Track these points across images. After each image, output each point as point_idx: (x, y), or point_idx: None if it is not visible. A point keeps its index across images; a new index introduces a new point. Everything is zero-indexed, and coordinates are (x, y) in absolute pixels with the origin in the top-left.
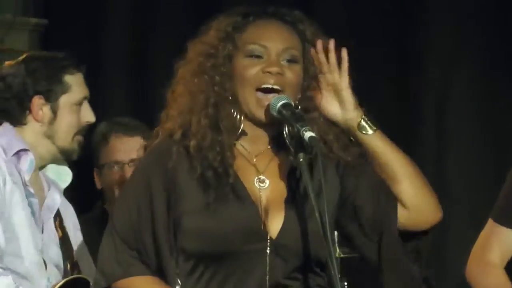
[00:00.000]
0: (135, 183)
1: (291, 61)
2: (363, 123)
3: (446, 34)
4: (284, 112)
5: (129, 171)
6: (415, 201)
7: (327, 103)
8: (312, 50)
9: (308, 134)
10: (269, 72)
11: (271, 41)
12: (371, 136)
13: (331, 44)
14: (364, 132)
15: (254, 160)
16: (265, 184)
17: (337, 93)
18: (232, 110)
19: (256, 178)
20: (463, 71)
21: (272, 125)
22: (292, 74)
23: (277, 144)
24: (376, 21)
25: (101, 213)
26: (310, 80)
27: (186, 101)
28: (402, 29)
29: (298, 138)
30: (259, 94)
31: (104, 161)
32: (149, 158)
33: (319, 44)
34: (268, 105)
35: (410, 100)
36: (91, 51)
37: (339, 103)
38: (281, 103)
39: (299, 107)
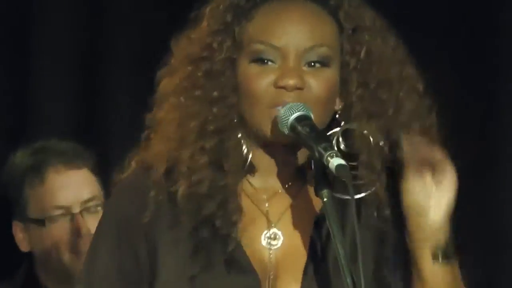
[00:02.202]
0: (104, 238)
1: (320, 63)
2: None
3: None
4: (299, 128)
5: (83, 222)
6: None
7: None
8: None
9: (335, 161)
10: (284, 88)
11: (287, 37)
12: (438, 267)
13: None
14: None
15: (266, 205)
16: (277, 242)
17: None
18: (239, 137)
19: (266, 232)
20: None
21: (296, 150)
22: (321, 84)
23: (303, 178)
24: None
25: (28, 283)
26: (354, 77)
27: (173, 128)
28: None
29: (321, 167)
30: (275, 111)
31: (38, 210)
32: (118, 203)
33: None
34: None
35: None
36: (18, 43)
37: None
38: (295, 115)
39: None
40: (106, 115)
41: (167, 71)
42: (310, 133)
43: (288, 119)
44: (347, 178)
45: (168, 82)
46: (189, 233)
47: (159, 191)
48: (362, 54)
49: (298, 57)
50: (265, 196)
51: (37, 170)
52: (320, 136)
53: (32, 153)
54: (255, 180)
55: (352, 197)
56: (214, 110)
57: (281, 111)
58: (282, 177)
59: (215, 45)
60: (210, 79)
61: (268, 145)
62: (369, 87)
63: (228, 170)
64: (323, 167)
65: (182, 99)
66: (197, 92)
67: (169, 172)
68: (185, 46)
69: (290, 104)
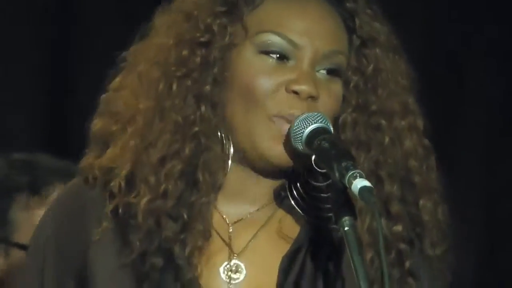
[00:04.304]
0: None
1: (333, 73)
2: None
3: None
4: (316, 143)
5: None
6: None
7: None
8: None
9: (359, 183)
10: (297, 93)
11: (308, 35)
12: None
13: None
14: None
15: (230, 230)
16: (239, 276)
17: None
18: (222, 147)
19: (226, 264)
20: None
21: (285, 169)
22: (330, 97)
23: (280, 201)
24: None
25: None
26: (353, 98)
27: (146, 119)
28: None
29: (340, 190)
30: (276, 119)
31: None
32: (51, 223)
33: None
34: (288, 133)
35: None
36: None
37: None
38: (312, 127)
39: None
40: (71, 127)
41: (142, 47)
42: (330, 149)
43: (302, 132)
44: (373, 204)
45: (144, 61)
46: (136, 259)
47: (102, 205)
48: (368, 72)
49: (314, 62)
50: (231, 221)
51: (36, 189)
52: (342, 153)
53: (23, 167)
54: (221, 202)
55: (380, 225)
56: (203, 109)
57: (295, 123)
58: (252, 199)
59: (215, 28)
60: (205, 70)
61: (253, 164)
62: (366, 112)
63: (203, 185)
64: (344, 189)
65: (161, 86)
66: (190, 82)
67: (130, 178)
68: (176, 20)
69: (306, 114)
